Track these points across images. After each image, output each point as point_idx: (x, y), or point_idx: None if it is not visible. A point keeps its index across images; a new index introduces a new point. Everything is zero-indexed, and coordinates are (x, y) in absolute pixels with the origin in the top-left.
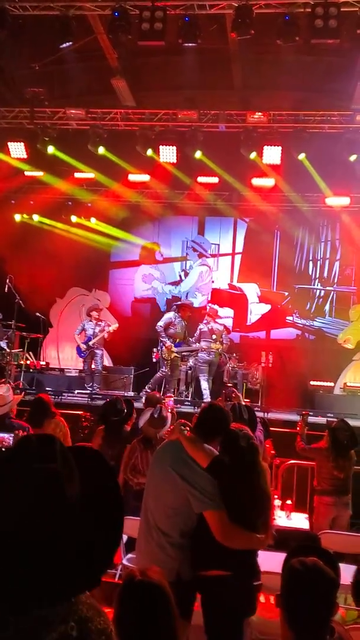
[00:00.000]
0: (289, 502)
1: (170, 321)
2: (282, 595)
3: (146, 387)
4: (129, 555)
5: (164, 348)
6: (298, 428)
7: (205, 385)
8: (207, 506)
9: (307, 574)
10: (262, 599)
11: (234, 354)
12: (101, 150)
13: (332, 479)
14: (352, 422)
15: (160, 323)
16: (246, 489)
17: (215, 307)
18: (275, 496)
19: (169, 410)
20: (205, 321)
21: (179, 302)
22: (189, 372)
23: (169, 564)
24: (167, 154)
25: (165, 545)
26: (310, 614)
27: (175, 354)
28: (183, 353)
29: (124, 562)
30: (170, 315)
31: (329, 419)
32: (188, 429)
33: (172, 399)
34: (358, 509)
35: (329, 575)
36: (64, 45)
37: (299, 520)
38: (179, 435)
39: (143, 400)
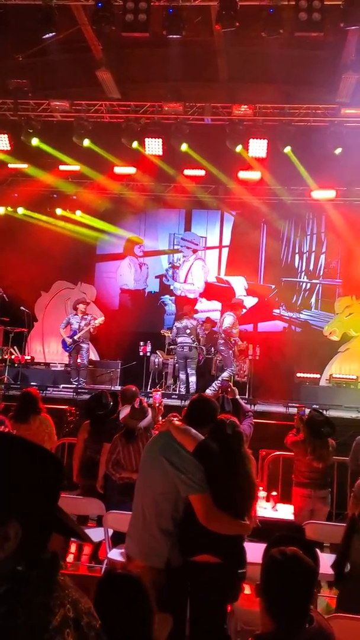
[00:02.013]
0: (274, 493)
1: (234, 322)
2: (261, 584)
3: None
4: (115, 550)
5: (235, 348)
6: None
7: (183, 377)
8: (193, 489)
9: (286, 563)
10: (247, 590)
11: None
12: (86, 142)
13: (310, 472)
14: (338, 413)
15: (227, 325)
16: (231, 474)
17: (200, 302)
18: (261, 488)
19: (157, 404)
20: (182, 319)
21: (233, 302)
22: (176, 366)
23: (159, 550)
24: (153, 147)
25: (155, 532)
26: (289, 603)
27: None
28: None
29: (109, 556)
30: (232, 317)
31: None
32: (177, 419)
33: (159, 392)
34: (342, 499)
35: (308, 564)
36: (47, 36)
37: (284, 512)
38: (168, 424)
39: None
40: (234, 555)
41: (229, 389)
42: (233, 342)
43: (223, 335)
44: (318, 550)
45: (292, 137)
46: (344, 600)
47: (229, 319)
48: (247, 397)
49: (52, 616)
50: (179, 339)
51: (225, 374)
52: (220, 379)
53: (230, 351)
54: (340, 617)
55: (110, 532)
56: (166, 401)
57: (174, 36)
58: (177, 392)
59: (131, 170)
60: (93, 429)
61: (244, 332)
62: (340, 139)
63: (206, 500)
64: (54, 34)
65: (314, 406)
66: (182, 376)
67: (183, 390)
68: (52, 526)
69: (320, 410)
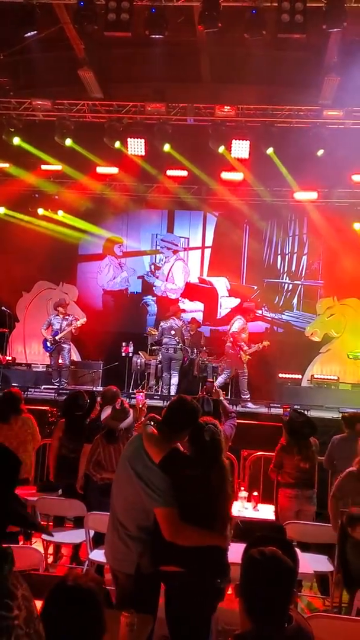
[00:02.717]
0: (255, 493)
1: (243, 327)
2: (240, 584)
3: (241, 395)
4: (96, 551)
5: (241, 352)
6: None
7: (175, 379)
8: (157, 503)
9: (265, 563)
10: (229, 590)
11: (204, 348)
12: (68, 142)
13: (297, 472)
14: (319, 414)
15: (235, 329)
16: (203, 484)
17: (182, 302)
18: (242, 488)
19: (140, 405)
20: (168, 319)
21: (247, 307)
22: (159, 366)
23: (129, 556)
24: (136, 147)
25: (125, 538)
26: (268, 603)
27: (249, 357)
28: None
29: (91, 557)
30: (241, 321)
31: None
32: (153, 423)
33: (142, 393)
34: (325, 499)
35: (287, 564)
36: (29, 34)
37: (266, 512)
38: (142, 428)
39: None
40: (205, 564)
41: (214, 390)
42: (239, 347)
43: (231, 338)
44: (299, 550)
45: (275, 138)
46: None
47: (238, 323)
48: (229, 397)
49: (15, 597)
50: (164, 340)
51: (220, 378)
52: (217, 382)
53: (238, 355)
54: (320, 616)
55: (92, 533)
56: (148, 402)
57: (157, 36)
58: (159, 392)
59: (113, 170)
60: (68, 428)
61: (226, 333)
62: (322, 141)
63: (169, 515)
64: (35, 32)
65: (295, 407)
66: (166, 377)
67: (166, 391)
68: (7, 517)
69: (300, 411)
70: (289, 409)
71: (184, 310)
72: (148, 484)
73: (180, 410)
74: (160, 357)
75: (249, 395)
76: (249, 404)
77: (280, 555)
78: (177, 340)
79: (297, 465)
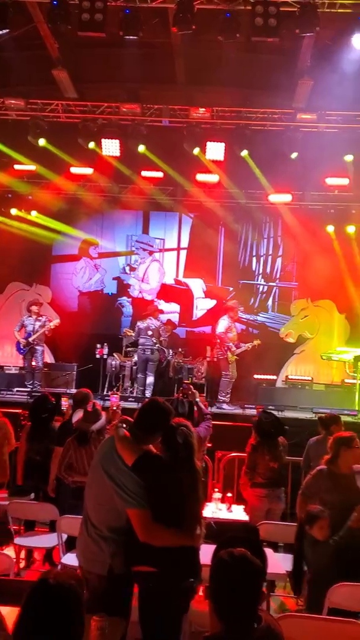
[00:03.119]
0: (229, 494)
1: (229, 326)
2: (210, 585)
3: (219, 396)
4: (69, 554)
5: (228, 353)
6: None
7: (150, 380)
8: (130, 505)
9: (234, 564)
10: (200, 591)
11: (180, 349)
12: (42, 142)
13: (267, 472)
14: (293, 414)
15: (221, 329)
16: (175, 486)
17: (157, 303)
18: (216, 489)
19: (115, 407)
20: (145, 319)
21: (229, 305)
22: (134, 368)
23: (101, 557)
24: (110, 148)
25: (97, 539)
26: (236, 604)
27: (236, 357)
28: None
29: (63, 561)
30: (226, 321)
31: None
32: (125, 425)
33: (116, 395)
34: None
35: (255, 565)
36: (1, 33)
37: (240, 513)
38: (114, 431)
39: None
40: (177, 564)
41: (190, 392)
42: (226, 347)
43: (218, 340)
44: (272, 550)
45: (249, 140)
46: (312, 603)
47: (223, 323)
48: (204, 398)
49: None
50: (140, 340)
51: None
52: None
53: (225, 356)
54: (290, 616)
55: (65, 536)
56: (123, 404)
57: (131, 37)
58: (134, 394)
59: (88, 170)
60: (34, 431)
61: (202, 334)
62: (296, 144)
63: (143, 516)
64: (7, 30)
65: (270, 407)
66: (141, 378)
67: (140, 393)
68: None
69: (269, 412)
70: (262, 410)
71: (161, 311)
72: (121, 486)
73: (153, 413)
74: (136, 358)
75: (228, 397)
76: (225, 405)
77: (249, 556)
78: (154, 341)
79: (267, 465)
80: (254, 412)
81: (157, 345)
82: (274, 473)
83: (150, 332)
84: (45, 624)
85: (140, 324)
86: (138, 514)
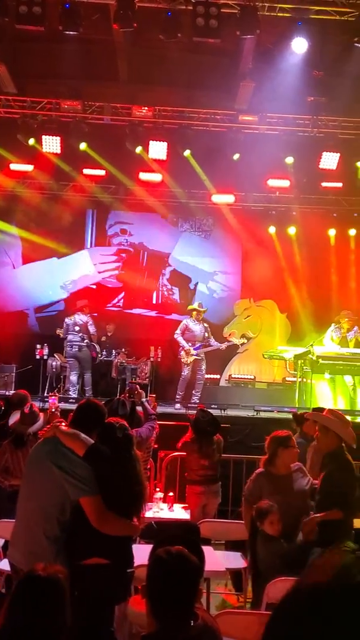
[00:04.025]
0: (171, 494)
1: (185, 326)
2: (147, 584)
3: (176, 396)
4: (5, 560)
5: (182, 352)
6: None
7: (74, 379)
8: (84, 492)
9: (171, 562)
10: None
11: (123, 349)
12: None
13: (200, 469)
14: (235, 412)
15: (177, 331)
16: (121, 477)
17: (85, 301)
18: (158, 489)
19: (53, 409)
20: (74, 314)
21: (193, 307)
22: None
23: (45, 556)
24: (51, 145)
25: (41, 539)
26: (173, 601)
27: (195, 356)
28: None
29: (0, 566)
30: (185, 321)
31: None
32: (64, 424)
33: (55, 397)
34: (238, 496)
35: (192, 562)
36: None
37: (181, 512)
38: (54, 430)
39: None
40: (120, 554)
41: (136, 391)
42: (180, 348)
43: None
44: (211, 548)
45: (192, 140)
46: (258, 598)
47: (181, 325)
48: (147, 399)
49: None
50: (69, 337)
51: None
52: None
53: (178, 356)
54: (228, 612)
55: (2, 541)
56: (64, 405)
57: (71, 32)
58: (75, 396)
59: (28, 167)
60: None
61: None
62: (238, 145)
63: (97, 503)
64: None
65: (212, 405)
66: (73, 378)
67: (73, 394)
68: None
69: (207, 410)
70: (200, 409)
71: (90, 306)
72: (73, 476)
73: (87, 413)
74: (66, 356)
75: (180, 397)
76: (177, 405)
77: (185, 554)
78: (82, 336)
79: (199, 462)
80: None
81: (85, 341)
82: (207, 470)
83: (77, 328)
84: (33, 614)
85: (68, 320)
86: (92, 501)
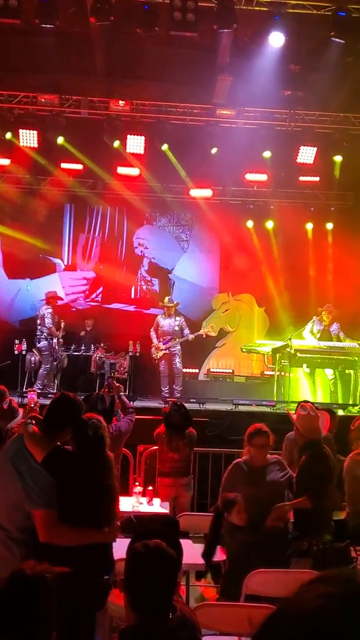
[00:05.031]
0: (150, 488)
1: (156, 322)
2: (125, 577)
3: (164, 393)
4: None
5: (153, 349)
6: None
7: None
8: (36, 505)
9: (148, 555)
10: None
11: (102, 344)
12: None
13: (170, 461)
14: (214, 406)
15: (152, 327)
16: (88, 479)
17: (53, 292)
18: (137, 483)
19: (32, 405)
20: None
21: (165, 304)
22: (54, 363)
23: (11, 560)
24: (28, 138)
25: (7, 541)
26: (151, 595)
27: (164, 351)
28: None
29: None
30: (157, 318)
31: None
32: (35, 422)
33: (34, 392)
34: (214, 489)
35: (170, 556)
36: None
37: (160, 506)
38: (22, 428)
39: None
40: (90, 561)
41: (114, 386)
42: (152, 345)
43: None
44: (190, 542)
45: (169, 134)
46: (228, 591)
47: (154, 322)
48: (127, 393)
49: None
50: (45, 329)
51: None
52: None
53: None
54: (207, 605)
55: None
56: (43, 401)
57: (48, 26)
58: (54, 391)
59: (5, 161)
60: None
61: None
62: (215, 139)
63: (47, 517)
64: None
65: (191, 399)
66: (41, 372)
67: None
68: None
69: (179, 404)
70: (173, 402)
71: (60, 298)
72: (30, 484)
73: (61, 408)
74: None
75: (164, 392)
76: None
77: (163, 547)
78: (41, 329)
79: (167, 456)
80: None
81: (44, 334)
82: (176, 463)
83: (38, 321)
84: (19, 614)
85: (37, 313)
86: (42, 514)
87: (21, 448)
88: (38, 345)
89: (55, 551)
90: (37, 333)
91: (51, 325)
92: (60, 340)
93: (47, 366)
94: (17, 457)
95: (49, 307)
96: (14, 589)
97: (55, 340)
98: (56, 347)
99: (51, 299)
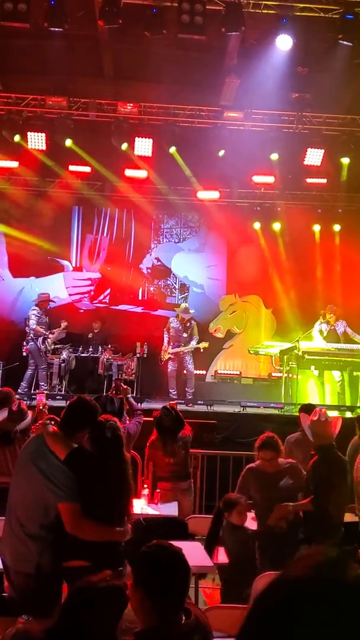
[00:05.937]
0: (158, 490)
1: (169, 324)
2: (144, 581)
3: (172, 394)
4: None
5: (162, 352)
6: None
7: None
8: (60, 498)
9: (169, 559)
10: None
11: (110, 345)
12: None
13: (167, 466)
14: (222, 408)
15: (165, 328)
16: (106, 479)
17: (46, 295)
18: (145, 485)
19: (41, 407)
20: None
21: (180, 312)
22: (62, 365)
23: (28, 555)
24: (36, 141)
25: (24, 538)
26: (171, 598)
27: (170, 355)
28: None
29: None
30: (170, 321)
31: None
32: (54, 423)
33: (43, 394)
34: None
35: (185, 558)
36: None
37: (168, 508)
38: (42, 428)
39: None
40: (106, 557)
41: (122, 388)
42: (163, 349)
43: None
44: (199, 544)
45: (177, 137)
46: (229, 590)
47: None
48: (135, 395)
49: None
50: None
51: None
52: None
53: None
54: (217, 607)
55: None
56: (51, 403)
57: (57, 29)
58: (62, 393)
59: (13, 164)
60: None
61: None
62: (223, 141)
63: (73, 510)
64: None
65: (199, 401)
66: (28, 372)
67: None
68: None
69: (170, 408)
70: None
71: (52, 301)
72: (52, 480)
73: (79, 410)
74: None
75: (172, 394)
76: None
77: (178, 551)
78: (28, 331)
79: (163, 460)
80: (183, 407)
81: (30, 335)
82: (173, 467)
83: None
84: (83, 626)
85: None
86: (68, 507)
87: (40, 446)
88: (27, 346)
89: (75, 545)
90: (26, 336)
91: (35, 326)
92: (50, 336)
93: (43, 366)
94: (36, 455)
95: (35, 308)
96: (81, 598)
97: (40, 340)
98: (41, 346)
99: (42, 302)
